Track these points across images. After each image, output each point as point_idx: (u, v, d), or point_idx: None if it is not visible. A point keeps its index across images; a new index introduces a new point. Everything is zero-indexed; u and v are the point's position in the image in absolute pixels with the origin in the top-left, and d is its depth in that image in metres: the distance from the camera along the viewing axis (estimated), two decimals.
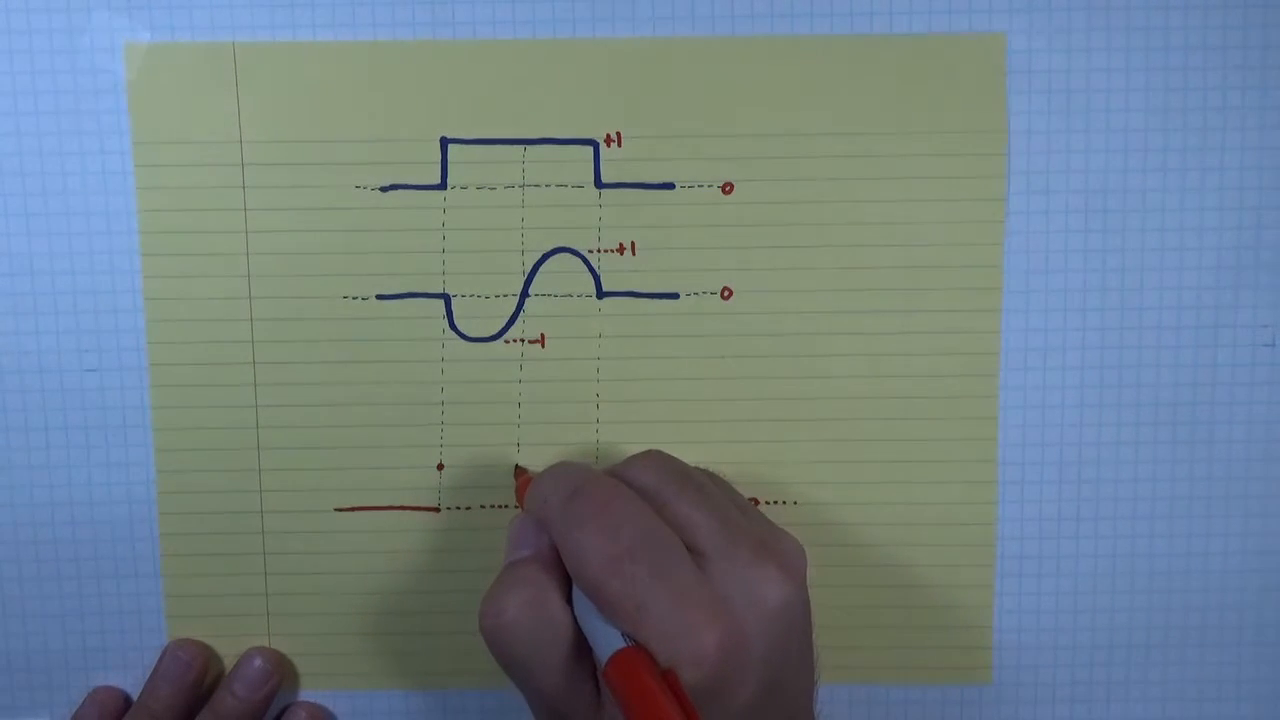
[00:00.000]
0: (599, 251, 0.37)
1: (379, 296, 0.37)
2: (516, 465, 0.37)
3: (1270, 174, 0.36)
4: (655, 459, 0.32)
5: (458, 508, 0.38)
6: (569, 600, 0.30)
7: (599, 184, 0.36)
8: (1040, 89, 0.36)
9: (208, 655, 0.38)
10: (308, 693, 0.38)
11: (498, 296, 0.37)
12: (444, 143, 0.36)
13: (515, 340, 0.37)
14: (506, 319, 0.37)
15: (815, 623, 0.32)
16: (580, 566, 0.29)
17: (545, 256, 0.37)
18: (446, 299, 0.37)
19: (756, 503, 0.37)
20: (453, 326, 0.37)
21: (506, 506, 0.38)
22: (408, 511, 0.38)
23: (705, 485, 0.32)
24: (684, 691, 0.26)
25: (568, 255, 0.37)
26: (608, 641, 0.28)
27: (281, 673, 0.38)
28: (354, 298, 0.37)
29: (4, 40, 0.36)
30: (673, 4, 0.36)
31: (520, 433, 0.37)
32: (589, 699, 0.30)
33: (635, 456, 0.33)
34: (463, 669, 0.38)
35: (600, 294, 0.37)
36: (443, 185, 0.36)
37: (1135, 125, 0.36)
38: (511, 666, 0.30)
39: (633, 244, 0.37)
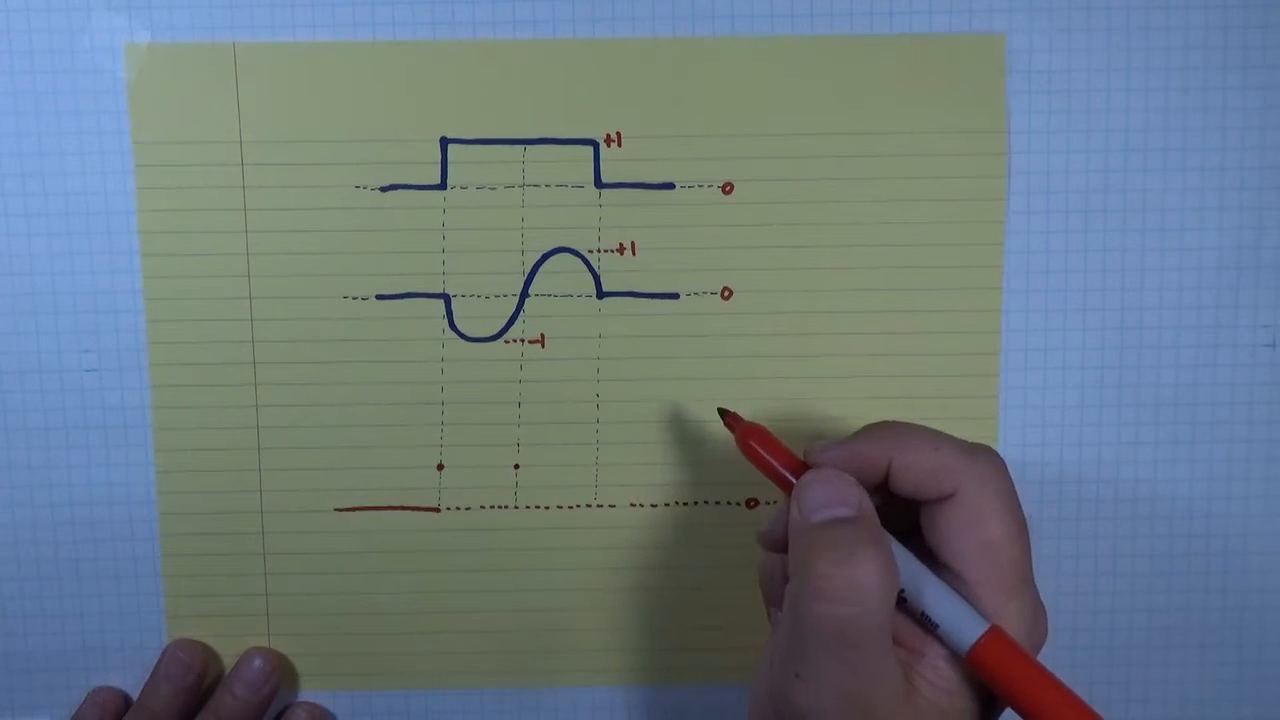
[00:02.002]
0: (599, 251, 0.37)
1: (379, 296, 0.37)
2: (727, 411, 0.34)
3: (1270, 174, 0.36)
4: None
5: (458, 508, 0.38)
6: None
7: (599, 184, 0.36)
8: (1040, 89, 0.36)
9: (208, 656, 0.38)
10: (308, 693, 0.38)
11: (498, 296, 0.37)
12: (444, 143, 0.36)
13: (515, 340, 0.37)
14: (506, 319, 0.37)
15: None
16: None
17: (545, 256, 0.37)
18: (446, 299, 0.37)
19: (755, 503, 0.37)
20: (453, 326, 0.37)
21: (506, 507, 0.38)
22: (408, 511, 0.38)
23: None
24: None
25: (568, 255, 0.37)
26: (969, 622, 0.28)
27: (281, 673, 0.38)
28: (354, 298, 0.37)
29: (4, 40, 0.36)
30: (673, 4, 0.36)
31: (520, 433, 0.37)
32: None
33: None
34: (463, 669, 0.38)
35: (600, 294, 0.37)
36: (443, 185, 0.36)
37: (1135, 125, 0.36)
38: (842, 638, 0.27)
39: (633, 244, 0.37)
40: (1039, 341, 0.37)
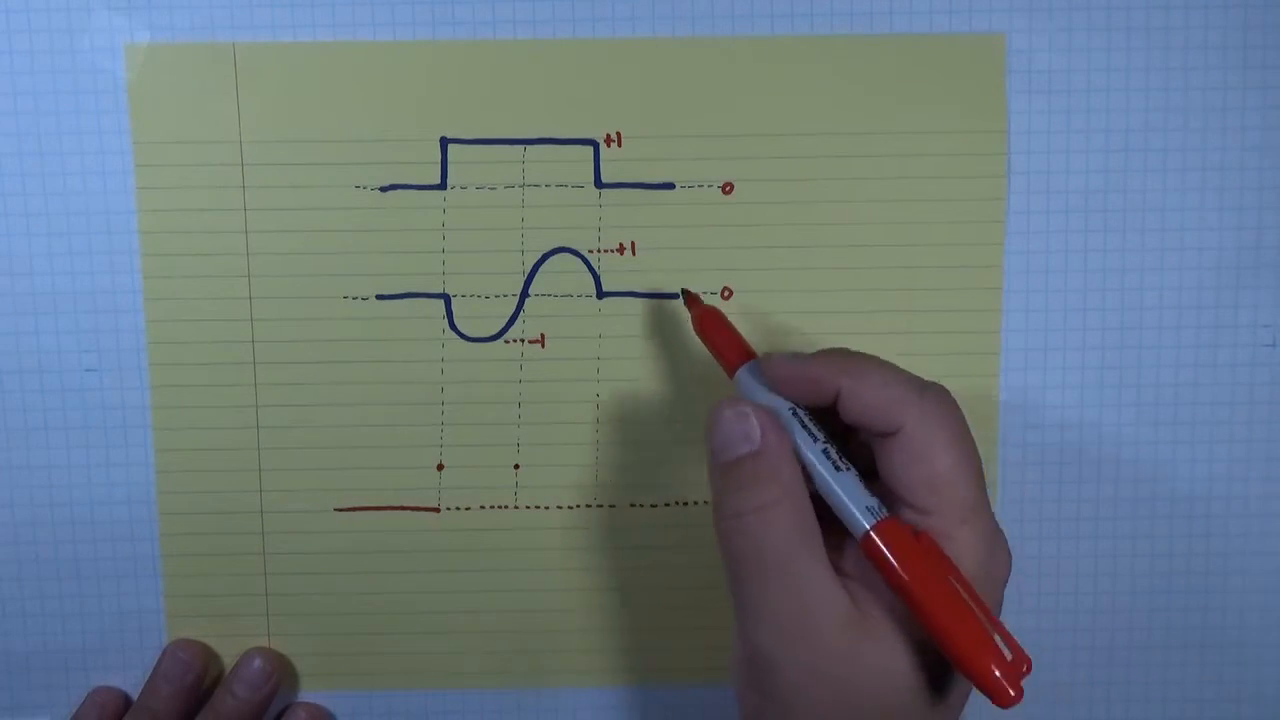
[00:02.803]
0: (599, 251, 0.37)
1: (379, 296, 0.37)
2: (689, 291, 0.35)
3: (1270, 174, 0.36)
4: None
5: (458, 508, 0.38)
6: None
7: (599, 184, 0.36)
8: (1040, 89, 0.36)
9: (208, 655, 0.38)
10: (308, 693, 0.38)
11: (498, 296, 0.37)
12: (444, 143, 0.36)
13: (515, 340, 0.37)
14: (506, 319, 0.37)
15: None
16: None
17: (545, 256, 0.37)
18: (446, 299, 0.37)
19: None
20: (453, 326, 0.37)
21: (506, 507, 0.38)
22: (408, 511, 0.38)
23: None
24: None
25: (568, 255, 0.37)
26: (868, 512, 0.28)
27: (281, 673, 0.38)
28: (354, 298, 0.37)
29: (4, 40, 0.36)
30: (673, 4, 0.36)
31: (520, 433, 0.37)
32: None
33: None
34: (462, 669, 0.38)
35: (600, 294, 0.37)
36: (443, 185, 0.36)
37: (1135, 125, 0.36)
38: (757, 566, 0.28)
39: (633, 244, 0.37)
40: (1039, 341, 0.37)
